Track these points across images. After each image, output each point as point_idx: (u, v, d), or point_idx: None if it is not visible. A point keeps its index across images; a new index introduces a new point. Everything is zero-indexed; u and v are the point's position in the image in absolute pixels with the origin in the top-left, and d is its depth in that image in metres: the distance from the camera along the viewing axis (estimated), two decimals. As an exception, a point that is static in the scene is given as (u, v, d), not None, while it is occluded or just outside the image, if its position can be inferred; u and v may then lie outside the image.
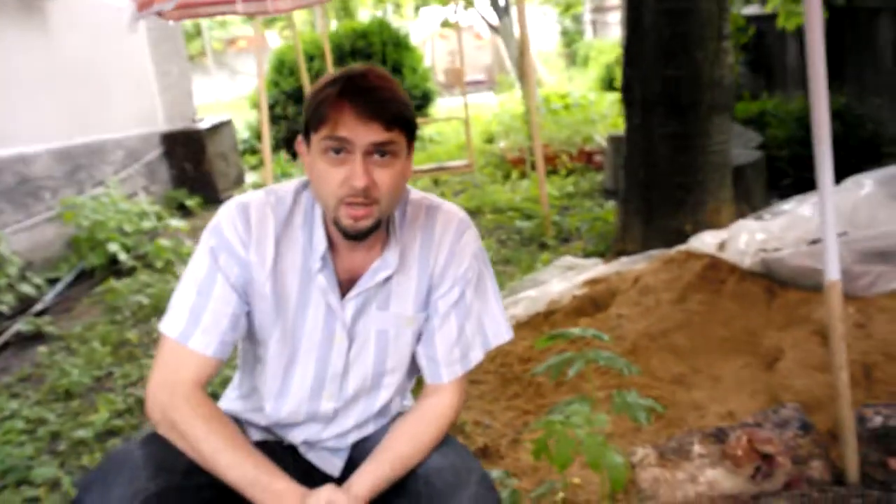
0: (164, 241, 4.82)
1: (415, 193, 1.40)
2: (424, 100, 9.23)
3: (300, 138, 1.31)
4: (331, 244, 1.33)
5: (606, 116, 7.53)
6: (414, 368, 1.51)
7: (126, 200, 5.34)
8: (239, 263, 1.32)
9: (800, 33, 4.87)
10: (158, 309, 3.95)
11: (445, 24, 10.40)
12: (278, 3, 2.90)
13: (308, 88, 5.83)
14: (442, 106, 9.99)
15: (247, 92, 13.09)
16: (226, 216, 1.34)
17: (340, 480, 1.42)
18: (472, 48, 13.27)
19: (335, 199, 1.23)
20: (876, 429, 1.50)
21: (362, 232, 1.26)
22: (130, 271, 4.58)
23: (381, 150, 1.22)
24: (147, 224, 5.22)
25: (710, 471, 1.54)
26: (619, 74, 9.36)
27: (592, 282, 3.01)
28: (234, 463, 1.24)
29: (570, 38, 15.87)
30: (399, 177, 1.26)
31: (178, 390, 1.30)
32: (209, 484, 1.29)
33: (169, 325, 1.33)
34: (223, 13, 3.04)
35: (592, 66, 12.05)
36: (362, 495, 1.27)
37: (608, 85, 10.09)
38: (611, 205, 4.79)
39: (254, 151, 8.57)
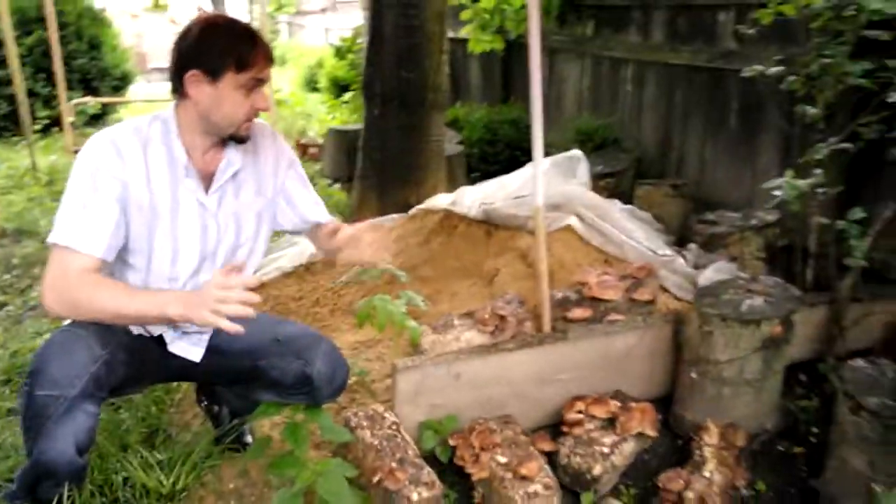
0: None
1: None
2: (123, 81, 8.88)
3: (196, 74, 1.59)
4: (186, 155, 1.67)
5: (316, 113, 8.22)
6: (259, 249, 1.88)
7: None
8: (118, 181, 1.58)
9: (482, 57, 6.15)
10: None
11: (156, 5, 10.02)
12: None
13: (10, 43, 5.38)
14: (132, 91, 9.46)
15: None
16: (97, 145, 1.59)
17: (199, 366, 1.81)
18: (167, 35, 12.81)
19: (244, 118, 1.66)
20: (559, 299, 2.46)
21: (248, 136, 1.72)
22: None
23: None
24: None
25: (466, 333, 2.34)
26: (321, 77, 10.19)
27: (346, 238, 3.67)
28: (132, 300, 1.54)
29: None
30: None
31: (72, 275, 1.52)
32: (126, 357, 1.62)
33: (57, 236, 1.55)
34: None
35: (292, 67, 12.63)
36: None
37: (310, 86, 10.78)
38: (337, 186, 5.49)
39: None
